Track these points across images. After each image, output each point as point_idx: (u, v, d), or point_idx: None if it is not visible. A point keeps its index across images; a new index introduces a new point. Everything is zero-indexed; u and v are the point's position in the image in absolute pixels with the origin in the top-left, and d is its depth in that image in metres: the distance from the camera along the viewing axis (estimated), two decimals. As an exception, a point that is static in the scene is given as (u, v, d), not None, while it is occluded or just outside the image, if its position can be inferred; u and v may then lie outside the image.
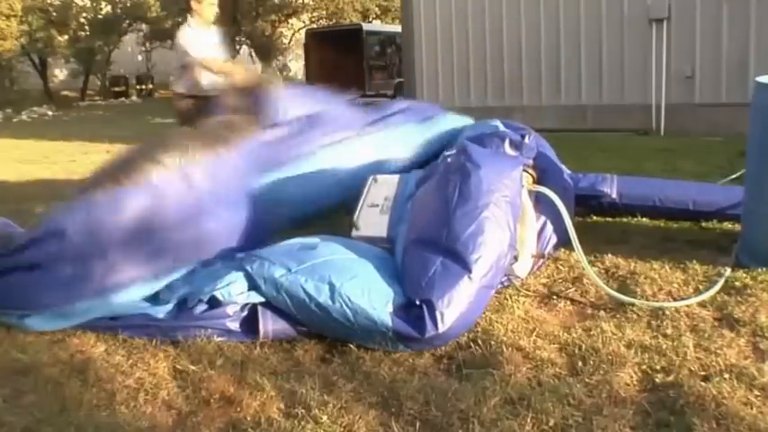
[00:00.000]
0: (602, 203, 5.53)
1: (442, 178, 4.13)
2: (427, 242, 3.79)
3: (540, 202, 4.56)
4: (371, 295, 3.55)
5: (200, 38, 6.32)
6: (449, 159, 4.30)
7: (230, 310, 3.71)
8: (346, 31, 26.81)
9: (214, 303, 3.71)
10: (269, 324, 3.67)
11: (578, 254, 4.23)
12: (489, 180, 3.95)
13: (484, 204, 3.82)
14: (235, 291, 3.71)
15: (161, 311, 3.81)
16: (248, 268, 3.75)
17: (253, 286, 3.71)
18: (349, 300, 3.52)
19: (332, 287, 3.57)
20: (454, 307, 3.46)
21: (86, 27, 35.87)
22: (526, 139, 4.50)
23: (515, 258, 4.09)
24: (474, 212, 3.79)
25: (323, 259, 3.79)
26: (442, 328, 3.42)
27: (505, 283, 4.18)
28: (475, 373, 3.21)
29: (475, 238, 3.68)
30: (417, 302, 3.47)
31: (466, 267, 3.58)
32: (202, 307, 3.73)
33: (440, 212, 3.89)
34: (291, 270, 3.69)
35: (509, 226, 3.84)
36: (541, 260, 4.52)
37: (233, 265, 3.88)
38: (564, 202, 4.43)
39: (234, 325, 3.70)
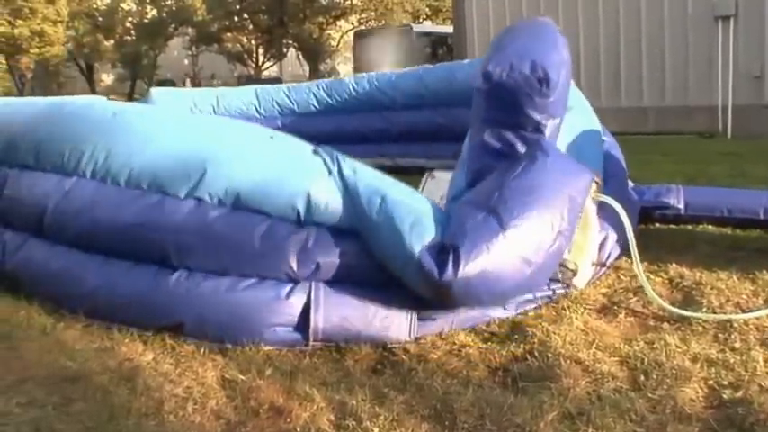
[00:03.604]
0: (666, 215, 5.36)
1: (509, 166, 3.98)
2: (476, 202, 3.73)
3: (603, 214, 4.41)
4: (414, 225, 3.57)
5: None
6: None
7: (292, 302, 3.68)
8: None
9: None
10: (320, 321, 3.62)
11: (638, 272, 4.08)
12: (556, 175, 3.82)
13: (543, 188, 3.71)
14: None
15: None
16: (324, 156, 3.86)
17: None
18: (392, 218, 3.58)
19: (383, 201, 3.65)
20: (480, 261, 3.41)
21: (132, 31, 36.49)
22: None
23: (573, 272, 3.96)
24: (531, 190, 3.69)
25: (389, 182, 3.87)
26: (460, 276, 3.37)
27: (563, 292, 4.07)
28: (531, 387, 3.12)
29: (523, 209, 3.58)
30: (446, 246, 3.45)
31: (503, 226, 3.50)
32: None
33: (497, 180, 3.80)
34: (356, 172, 3.79)
35: (562, 226, 3.69)
36: (602, 269, 4.38)
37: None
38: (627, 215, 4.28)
39: (292, 314, 3.67)
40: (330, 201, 3.76)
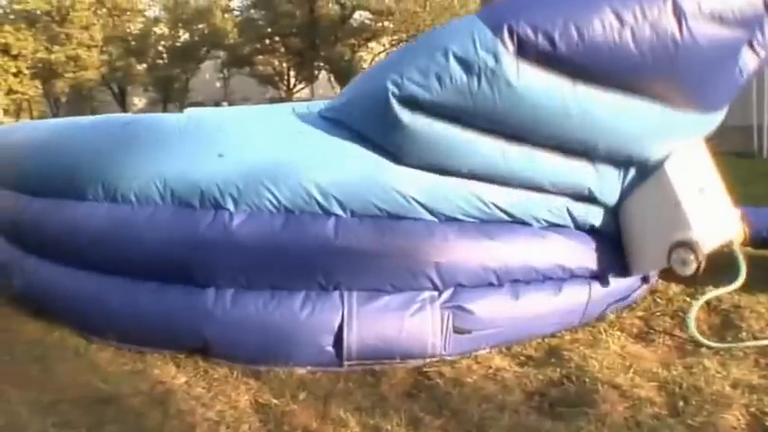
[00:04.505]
0: None
1: None
2: None
3: None
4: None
5: None
6: None
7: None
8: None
9: None
10: (353, 340, 3.59)
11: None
12: None
13: None
14: None
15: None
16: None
17: None
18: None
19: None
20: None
21: (164, 55, 36.95)
22: None
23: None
24: None
25: None
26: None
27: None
28: (568, 412, 3.07)
29: None
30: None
31: None
32: None
33: None
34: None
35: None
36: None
37: None
38: None
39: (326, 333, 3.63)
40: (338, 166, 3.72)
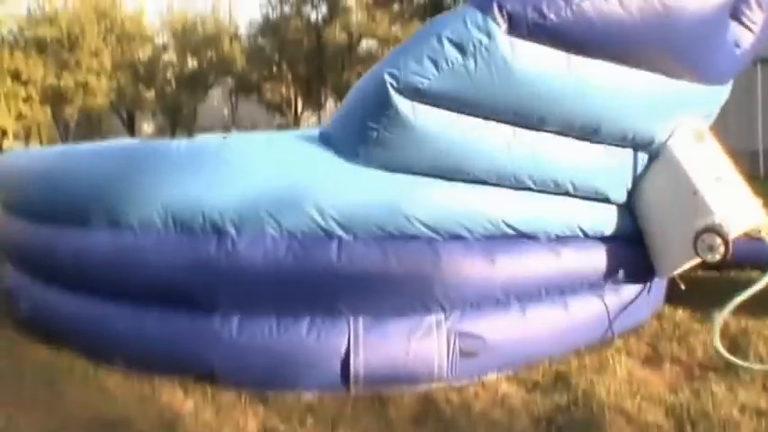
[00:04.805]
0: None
1: None
2: None
3: None
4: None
5: None
6: None
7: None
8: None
9: None
10: (360, 365, 3.59)
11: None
12: None
13: None
14: None
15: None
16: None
17: None
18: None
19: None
20: None
21: (173, 82, 37.15)
22: None
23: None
24: None
25: None
26: None
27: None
28: (575, 438, 3.05)
29: None
30: None
31: None
32: None
33: None
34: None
35: None
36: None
37: None
38: None
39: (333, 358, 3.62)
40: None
